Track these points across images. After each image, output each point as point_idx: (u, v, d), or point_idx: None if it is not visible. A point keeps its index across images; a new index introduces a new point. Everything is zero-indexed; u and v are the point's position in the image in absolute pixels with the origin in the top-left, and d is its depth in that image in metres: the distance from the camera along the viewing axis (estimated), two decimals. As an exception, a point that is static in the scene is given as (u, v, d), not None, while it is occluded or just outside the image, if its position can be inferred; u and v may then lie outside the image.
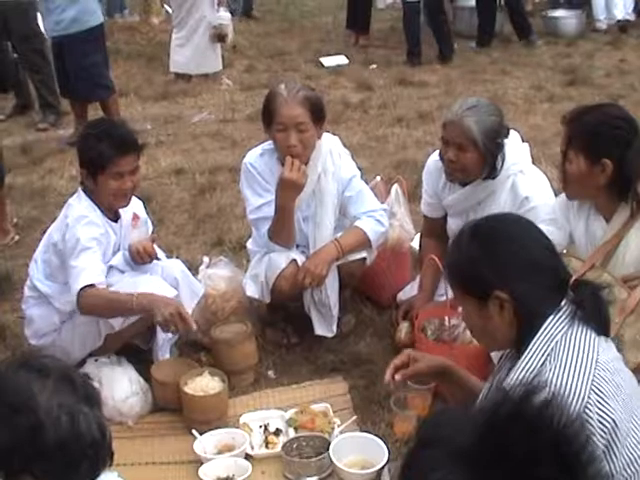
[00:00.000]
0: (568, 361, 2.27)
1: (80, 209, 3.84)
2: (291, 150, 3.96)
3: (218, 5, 9.08)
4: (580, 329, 2.32)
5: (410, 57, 9.82)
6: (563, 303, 2.34)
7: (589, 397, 2.20)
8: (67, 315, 3.94)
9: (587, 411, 2.19)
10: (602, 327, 2.35)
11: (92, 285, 3.70)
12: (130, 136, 3.90)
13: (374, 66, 9.78)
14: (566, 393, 2.20)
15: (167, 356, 4.04)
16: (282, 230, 4.06)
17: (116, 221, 3.99)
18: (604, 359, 2.30)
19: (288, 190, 3.94)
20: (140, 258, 3.97)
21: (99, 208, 3.88)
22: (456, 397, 2.89)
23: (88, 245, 3.76)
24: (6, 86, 7.93)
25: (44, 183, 6.55)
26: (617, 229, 3.33)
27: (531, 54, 10.01)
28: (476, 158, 3.83)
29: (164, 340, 3.99)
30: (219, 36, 9.09)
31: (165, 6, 10.94)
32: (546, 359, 2.30)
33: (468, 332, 3.84)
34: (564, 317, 2.33)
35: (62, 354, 3.82)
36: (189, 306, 4.03)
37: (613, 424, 2.20)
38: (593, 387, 2.22)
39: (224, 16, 9.05)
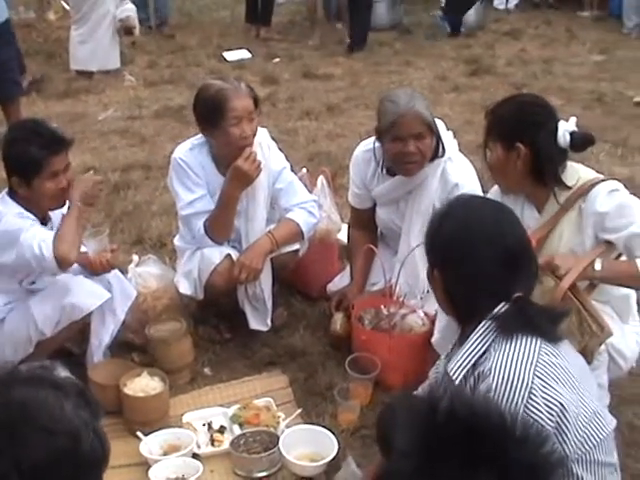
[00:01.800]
0: (511, 348, 2.30)
1: (12, 215, 3.67)
2: (247, 141, 3.94)
3: (122, -3, 8.92)
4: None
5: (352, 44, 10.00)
6: (498, 308, 2.38)
7: (533, 382, 2.24)
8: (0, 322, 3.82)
9: (532, 396, 2.23)
10: (545, 335, 2.38)
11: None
12: (58, 132, 3.77)
13: (277, 60, 9.77)
14: (510, 380, 2.24)
15: (101, 359, 3.95)
16: (223, 222, 4.04)
17: (46, 224, 3.85)
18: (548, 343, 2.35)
19: (240, 180, 3.94)
20: (99, 269, 3.87)
21: (29, 212, 3.73)
22: None
23: (27, 224, 3.62)
24: None
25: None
26: (547, 219, 3.39)
27: (433, 45, 10.17)
28: (431, 142, 3.86)
29: (99, 343, 3.91)
30: (126, 29, 8.93)
31: (62, 2, 10.71)
32: (490, 346, 2.35)
33: (406, 320, 3.90)
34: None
35: None
36: (122, 309, 3.99)
37: (560, 407, 2.24)
38: (537, 372, 2.25)
39: (129, 7, 8.87)
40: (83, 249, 3.88)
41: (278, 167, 4.19)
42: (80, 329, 3.90)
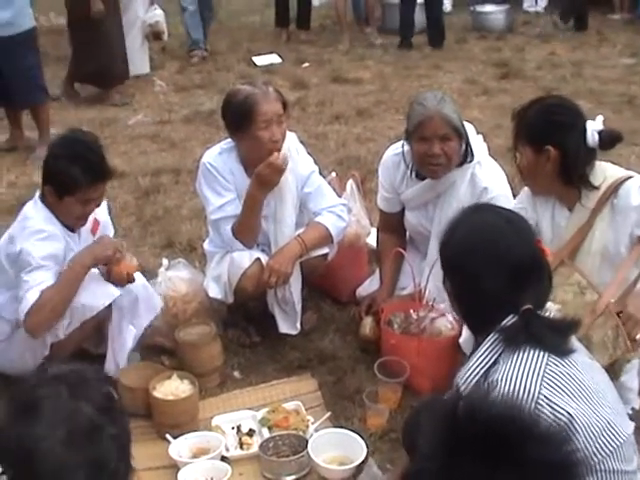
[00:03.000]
0: (519, 359, 2.30)
1: (38, 221, 3.71)
2: (277, 144, 3.97)
3: (150, 3, 8.96)
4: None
5: (402, 42, 10.08)
6: (506, 321, 2.38)
7: (540, 393, 2.23)
8: (17, 324, 3.83)
9: (539, 407, 2.22)
10: (549, 348, 2.36)
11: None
12: (105, 163, 3.78)
13: (307, 64, 9.78)
14: (516, 391, 2.23)
15: (125, 364, 3.96)
16: (249, 226, 4.06)
17: (73, 231, 3.88)
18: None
19: (262, 185, 3.96)
20: (117, 281, 3.88)
21: (57, 219, 3.78)
22: None
23: (43, 263, 3.64)
24: None
25: (-19, 191, 6.40)
26: (581, 218, 3.38)
27: (462, 49, 10.14)
28: (458, 146, 3.86)
29: (118, 351, 3.91)
30: (155, 34, 8.98)
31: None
32: (498, 358, 2.35)
33: (435, 324, 3.90)
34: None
35: (15, 363, 3.76)
36: (145, 321, 4.02)
37: (569, 416, 2.22)
38: (544, 383, 2.25)
39: (158, 13, 8.93)
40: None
41: (307, 171, 4.20)
42: (95, 327, 3.93)
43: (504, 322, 2.37)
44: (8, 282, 3.81)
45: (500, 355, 2.34)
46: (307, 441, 3.42)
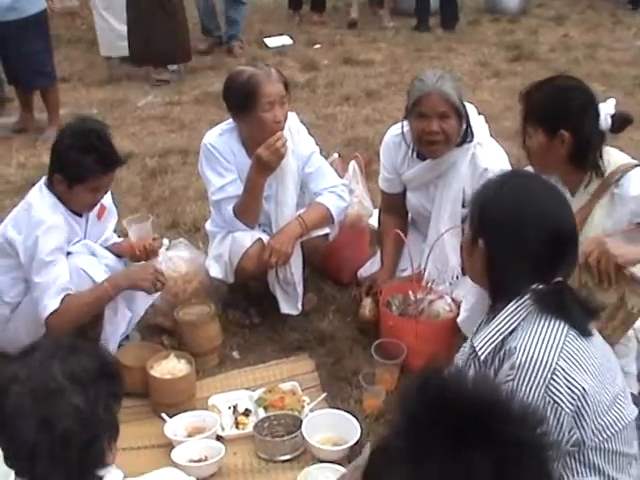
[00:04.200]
0: (539, 329, 2.29)
1: (42, 209, 3.71)
2: (279, 125, 3.96)
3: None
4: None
5: (419, 24, 10.01)
6: (532, 288, 2.35)
7: (557, 364, 2.22)
8: (15, 305, 3.89)
9: (555, 377, 2.22)
10: (572, 322, 2.34)
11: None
12: (115, 153, 3.80)
13: (318, 46, 9.73)
14: (534, 360, 2.23)
15: (115, 347, 3.97)
16: (250, 208, 4.05)
17: (81, 215, 3.90)
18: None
19: (262, 168, 3.94)
20: (140, 255, 3.92)
21: (64, 205, 3.78)
22: None
23: (49, 259, 3.67)
24: None
25: (-10, 171, 6.41)
26: (582, 202, 3.33)
27: (475, 31, 10.05)
28: (457, 124, 3.84)
29: (112, 332, 3.93)
30: None
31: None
32: (518, 325, 2.33)
33: (433, 306, 3.88)
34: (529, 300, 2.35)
35: (12, 343, 3.76)
36: (143, 305, 4.05)
37: (582, 391, 2.22)
38: (562, 355, 2.24)
39: None
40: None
41: (307, 151, 4.18)
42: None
43: (532, 288, 2.34)
44: (9, 265, 3.83)
45: (520, 323, 2.32)
46: (301, 421, 3.41)
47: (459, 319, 3.65)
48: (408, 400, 1.48)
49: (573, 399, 2.22)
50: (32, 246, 3.67)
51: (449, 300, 3.85)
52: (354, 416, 3.45)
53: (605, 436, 2.30)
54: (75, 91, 8.26)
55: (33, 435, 1.84)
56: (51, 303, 3.66)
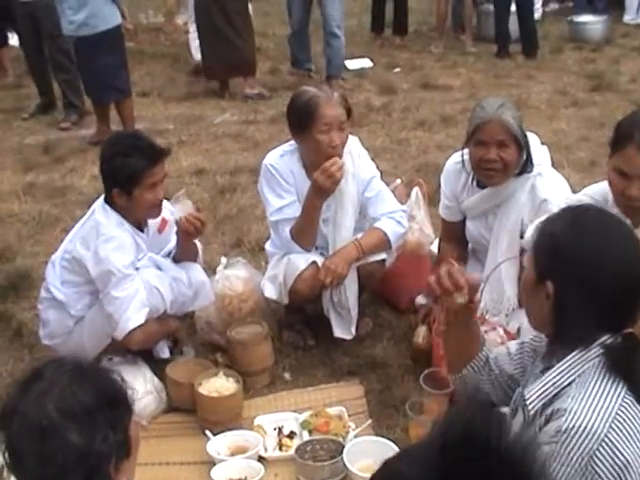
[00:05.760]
0: (593, 391, 2.20)
1: (109, 227, 3.79)
2: (335, 150, 3.96)
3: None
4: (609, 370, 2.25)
5: (500, 50, 10.03)
6: (600, 340, 2.26)
7: (606, 435, 2.13)
8: (79, 318, 3.96)
9: (600, 449, 2.12)
10: (631, 384, 2.24)
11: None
12: (156, 144, 3.88)
13: (398, 69, 9.74)
14: (582, 428, 2.13)
15: (166, 355, 4.08)
16: (306, 231, 4.07)
17: (143, 230, 3.97)
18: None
19: (318, 192, 3.93)
20: (192, 230, 3.92)
21: (127, 221, 3.86)
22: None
23: (126, 272, 3.75)
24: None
25: (65, 182, 6.57)
26: None
27: (556, 59, 9.95)
28: (516, 154, 3.79)
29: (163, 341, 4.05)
30: None
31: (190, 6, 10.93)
32: (573, 380, 2.24)
33: (486, 337, 3.81)
34: (597, 353, 2.25)
35: (74, 354, 3.83)
36: (183, 309, 4.16)
37: (626, 463, 2.12)
38: (613, 425, 2.14)
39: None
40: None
41: (368, 176, 4.18)
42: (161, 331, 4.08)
43: (601, 340, 2.25)
44: (75, 281, 3.92)
45: (575, 379, 2.23)
46: (344, 447, 3.40)
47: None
48: (426, 447, 1.40)
49: (615, 471, 2.12)
50: (104, 261, 3.73)
51: (501, 332, 3.79)
52: (398, 445, 3.41)
53: None
54: (153, 106, 8.43)
55: (32, 468, 1.86)
56: (135, 317, 3.75)
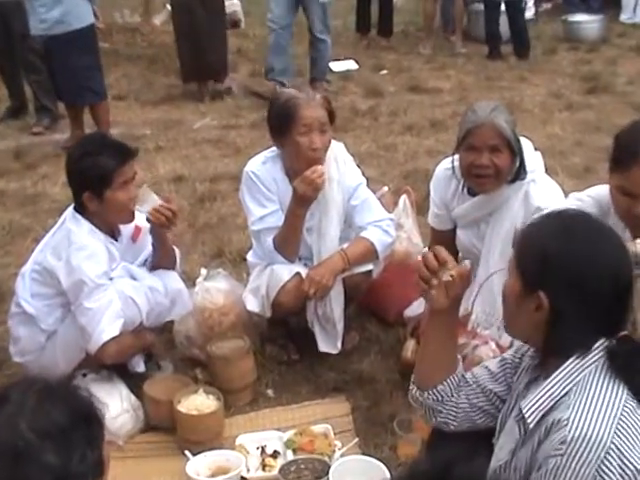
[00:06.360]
0: (594, 399, 2.21)
1: (81, 235, 3.79)
2: (316, 153, 3.97)
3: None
4: (609, 374, 2.27)
5: (491, 52, 10.10)
6: (597, 345, 2.28)
7: (612, 442, 2.14)
8: (51, 333, 3.95)
9: (608, 457, 2.13)
10: (633, 388, 2.27)
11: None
12: (123, 143, 3.94)
13: (385, 72, 9.78)
14: (587, 437, 2.14)
15: (141, 369, 4.07)
16: (289, 240, 4.07)
17: (116, 239, 3.97)
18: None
19: (299, 200, 3.93)
20: (164, 221, 3.92)
21: (99, 230, 3.86)
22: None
23: (99, 282, 3.75)
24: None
25: (37, 189, 6.56)
26: None
27: (550, 60, 10.02)
28: (509, 159, 3.80)
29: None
30: (233, 22, 9.14)
31: (167, 5, 10.94)
32: (570, 389, 2.25)
33: (477, 351, 3.83)
34: (594, 358, 2.28)
35: (48, 371, 3.80)
36: (159, 319, 4.14)
37: (635, 472, 2.13)
38: (617, 431, 2.16)
39: (235, 3, 9.13)
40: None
41: (354, 183, 4.18)
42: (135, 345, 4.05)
43: (599, 344, 2.28)
44: (46, 293, 3.91)
45: (572, 388, 2.25)
46: (329, 466, 3.40)
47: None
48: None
49: (624, 479, 2.14)
50: (76, 271, 3.73)
51: (494, 346, 3.80)
52: (386, 464, 3.42)
53: None
54: (130, 110, 8.44)
55: None
56: (109, 329, 3.74)
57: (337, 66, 9.83)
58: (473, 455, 1.48)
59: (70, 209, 3.92)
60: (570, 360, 2.27)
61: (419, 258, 4.53)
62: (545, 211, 2.46)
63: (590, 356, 2.27)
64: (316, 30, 8.78)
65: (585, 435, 2.14)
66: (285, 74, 8.85)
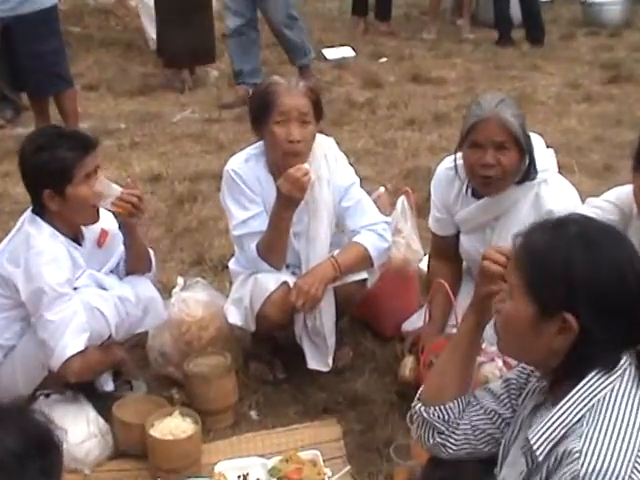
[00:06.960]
0: (610, 427, 2.20)
1: (41, 239, 3.77)
2: (295, 146, 3.97)
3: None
4: (631, 386, 2.27)
5: (501, 37, 10.11)
6: (621, 363, 2.28)
7: (630, 477, 2.12)
8: (9, 349, 3.94)
9: None
10: None
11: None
12: (82, 132, 3.97)
13: (384, 59, 9.80)
14: (602, 473, 2.12)
15: (110, 388, 4.07)
16: (275, 246, 4.07)
17: (80, 243, 3.96)
18: None
19: (284, 201, 3.93)
20: (131, 210, 3.87)
21: (61, 233, 3.85)
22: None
23: (61, 291, 3.73)
24: None
25: (-3, 189, 6.56)
26: None
27: (567, 47, 10.05)
28: (517, 158, 3.81)
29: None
30: None
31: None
32: (583, 415, 2.24)
33: (482, 369, 3.83)
34: (613, 377, 2.27)
35: (6, 391, 3.81)
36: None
37: None
38: (637, 465, 2.14)
39: None
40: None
41: (346, 183, 4.19)
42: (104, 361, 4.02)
43: (622, 362, 2.27)
44: (2, 304, 3.89)
45: (585, 414, 2.23)
46: (318, 497, 3.41)
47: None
48: None
49: None
50: (36, 278, 3.71)
51: (500, 364, 3.81)
52: (379, 494, 3.44)
53: None
54: (102, 101, 8.45)
55: None
56: (73, 343, 3.71)
57: (331, 53, 9.86)
58: None
59: (28, 211, 3.91)
60: (584, 381, 2.26)
61: (419, 267, 4.58)
62: (548, 223, 2.43)
63: (609, 375, 2.26)
64: (277, 18, 8.48)
65: (600, 470, 2.12)
66: (256, 76, 8.50)
